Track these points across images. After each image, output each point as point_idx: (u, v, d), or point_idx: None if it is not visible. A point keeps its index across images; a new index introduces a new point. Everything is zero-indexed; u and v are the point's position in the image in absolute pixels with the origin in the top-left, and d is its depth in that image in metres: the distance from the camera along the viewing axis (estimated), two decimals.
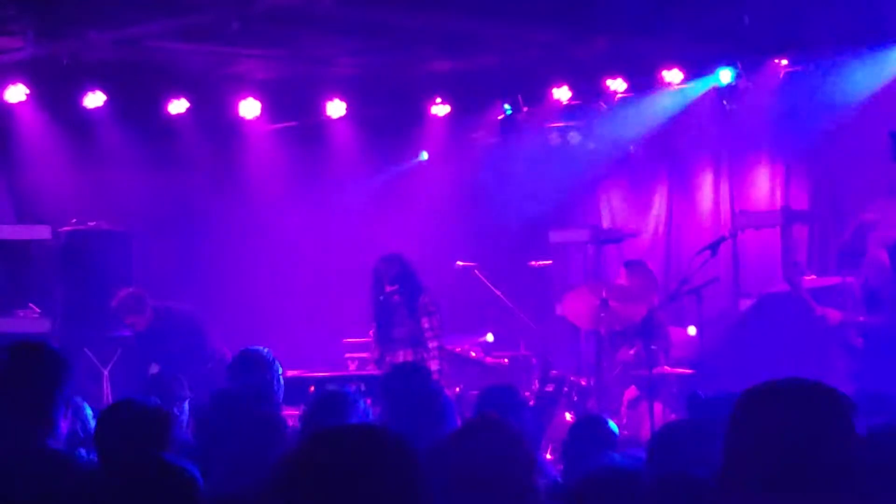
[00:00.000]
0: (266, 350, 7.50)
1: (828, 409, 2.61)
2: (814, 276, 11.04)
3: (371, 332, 11.37)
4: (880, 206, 9.61)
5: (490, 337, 12.81)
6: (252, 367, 7.17)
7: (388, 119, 13.90)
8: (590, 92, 13.25)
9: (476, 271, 12.77)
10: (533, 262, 13.28)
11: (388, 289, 11.02)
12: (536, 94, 13.50)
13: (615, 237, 13.47)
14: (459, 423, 5.69)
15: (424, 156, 14.56)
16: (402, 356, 10.83)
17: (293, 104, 13.75)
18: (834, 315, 9.62)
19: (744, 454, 2.59)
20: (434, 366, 10.69)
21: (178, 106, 13.17)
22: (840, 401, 2.65)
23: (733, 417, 2.68)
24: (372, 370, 10.88)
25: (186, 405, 7.17)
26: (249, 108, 13.39)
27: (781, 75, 12.26)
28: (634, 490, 4.01)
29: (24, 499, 4.19)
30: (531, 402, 11.03)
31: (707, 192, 13.45)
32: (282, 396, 7.44)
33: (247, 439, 5.15)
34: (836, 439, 2.57)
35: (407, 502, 2.80)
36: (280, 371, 7.49)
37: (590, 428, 6.08)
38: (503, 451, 3.73)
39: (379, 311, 11.12)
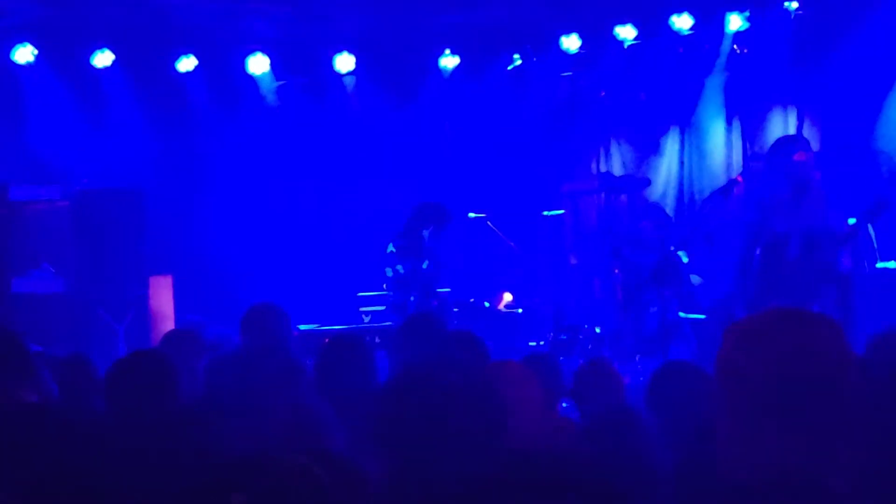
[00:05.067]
0: (276, 304, 7.50)
1: (822, 333, 2.60)
2: None
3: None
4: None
5: (508, 296, 12.79)
6: (264, 321, 7.17)
7: (398, 72, 13.85)
8: (599, 40, 13.20)
9: (488, 222, 12.76)
10: (545, 212, 13.27)
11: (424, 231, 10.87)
12: (546, 43, 13.44)
13: (627, 185, 13.41)
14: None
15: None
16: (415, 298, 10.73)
17: (301, 59, 13.72)
18: None
19: (739, 387, 2.58)
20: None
21: (186, 63, 13.16)
22: (833, 325, 2.63)
23: (721, 355, 2.65)
24: (388, 319, 10.86)
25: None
26: (258, 63, 13.37)
27: (792, 18, 12.21)
28: (640, 429, 4.07)
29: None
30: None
31: (719, 136, 13.41)
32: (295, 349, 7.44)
33: (264, 390, 5.17)
34: (832, 362, 2.56)
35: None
36: (291, 324, 7.50)
37: (595, 372, 6.13)
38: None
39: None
